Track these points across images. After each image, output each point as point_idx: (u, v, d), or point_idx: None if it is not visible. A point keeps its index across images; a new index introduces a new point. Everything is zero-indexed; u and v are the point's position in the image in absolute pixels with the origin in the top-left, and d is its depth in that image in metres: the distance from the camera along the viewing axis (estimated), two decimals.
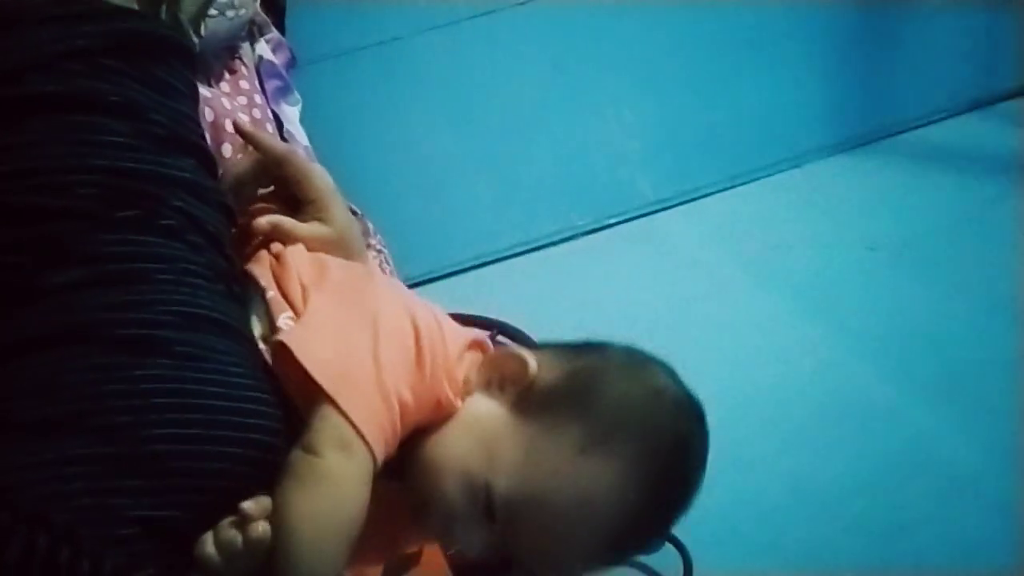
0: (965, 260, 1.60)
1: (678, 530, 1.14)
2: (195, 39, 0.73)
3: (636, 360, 0.61)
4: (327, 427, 0.57)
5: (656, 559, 1.16)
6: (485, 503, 0.57)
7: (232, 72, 1.05)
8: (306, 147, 1.08)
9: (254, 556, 0.53)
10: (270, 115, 1.05)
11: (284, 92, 1.16)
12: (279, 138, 0.97)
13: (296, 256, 0.66)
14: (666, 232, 1.67)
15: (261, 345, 0.61)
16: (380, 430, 0.57)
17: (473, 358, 0.64)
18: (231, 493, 0.54)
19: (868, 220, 1.72)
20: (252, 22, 1.07)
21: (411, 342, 0.60)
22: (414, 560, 0.88)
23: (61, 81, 0.55)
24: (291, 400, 0.59)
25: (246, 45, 1.08)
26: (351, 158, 1.21)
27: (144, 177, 0.56)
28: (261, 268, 0.66)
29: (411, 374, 0.59)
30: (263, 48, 1.11)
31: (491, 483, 0.57)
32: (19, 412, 0.49)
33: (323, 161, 0.79)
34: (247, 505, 0.54)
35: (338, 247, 0.70)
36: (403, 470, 0.62)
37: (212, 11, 0.88)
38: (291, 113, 1.17)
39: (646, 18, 1.69)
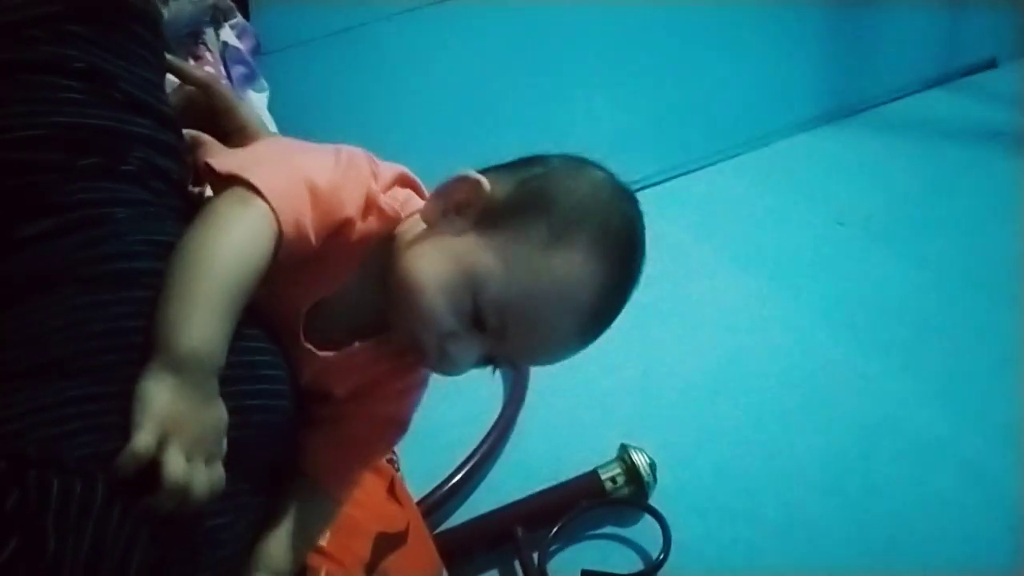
0: (930, 231, 1.63)
1: (657, 502, 1.18)
2: (162, 8, 0.72)
3: (575, 161, 0.65)
4: (227, 193, 0.57)
5: (637, 530, 1.17)
6: (472, 314, 0.60)
7: (196, 58, 1.04)
8: (274, 134, 1.07)
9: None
10: None
11: (250, 79, 1.16)
12: None
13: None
14: None
15: None
16: (284, 196, 0.56)
17: (406, 194, 0.65)
18: None
19: (836, 195, 1.75)
20: (215, 7, 1.06)
21: (331, 153, 0.62)
22: (401, 539, 0.88)
23: (24, 48, 0.55)
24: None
25: (210, 31, 1.07)
26: None
27: (103, 131, 0.56)
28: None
29: (328, 169, 0.60)
30: (227, 34, 1.11)
31: (477, 293, 0.60)
32: (10, 362, 0.50)
33: None
34: None
35: None
36: (390, 322, 0.63)
37: None
38: (258, 100, 1.16)
39: (616, 3, 1.70)
